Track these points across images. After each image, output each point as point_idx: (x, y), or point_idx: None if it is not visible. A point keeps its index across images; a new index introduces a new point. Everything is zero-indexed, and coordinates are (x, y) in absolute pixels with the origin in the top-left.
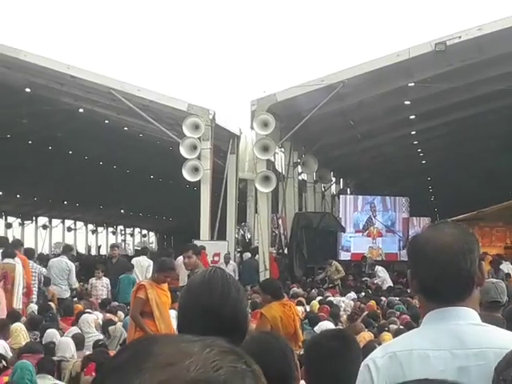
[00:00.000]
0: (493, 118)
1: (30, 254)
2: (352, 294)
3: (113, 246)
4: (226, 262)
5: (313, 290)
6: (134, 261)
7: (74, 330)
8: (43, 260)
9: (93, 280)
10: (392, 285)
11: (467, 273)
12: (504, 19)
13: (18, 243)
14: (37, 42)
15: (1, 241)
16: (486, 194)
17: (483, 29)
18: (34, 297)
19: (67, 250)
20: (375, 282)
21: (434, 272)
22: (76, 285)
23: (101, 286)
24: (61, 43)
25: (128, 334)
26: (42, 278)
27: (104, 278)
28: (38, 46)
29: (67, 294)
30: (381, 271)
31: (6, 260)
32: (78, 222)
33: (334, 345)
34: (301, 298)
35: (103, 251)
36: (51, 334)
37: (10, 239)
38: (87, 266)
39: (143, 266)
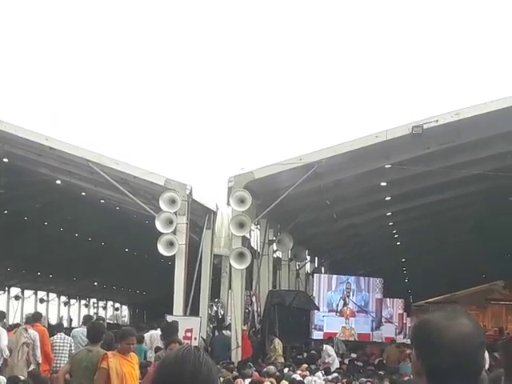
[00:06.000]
0: (468, 202)
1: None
2: (320, 374)
3: (97, 319)
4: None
5: (285, 369)
6: (148, 334)
7: None
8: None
9: None
10: (339, 366)
11: (479, 366)
12: (481, 105)
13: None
14: (16, 113)
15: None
16: (459, 277)
17: (460, 113)
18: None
19: (88, 320)
20: (326, 361)
21: (448, 361)
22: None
23: None
24: (40, 114)
25: None
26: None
27: None
28: (17, 116)
29: None
30: (330, 349)
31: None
32: (50, 294)
33: None
34: (272, 379)
35: (75, 323)
36: None
37: None
38: None
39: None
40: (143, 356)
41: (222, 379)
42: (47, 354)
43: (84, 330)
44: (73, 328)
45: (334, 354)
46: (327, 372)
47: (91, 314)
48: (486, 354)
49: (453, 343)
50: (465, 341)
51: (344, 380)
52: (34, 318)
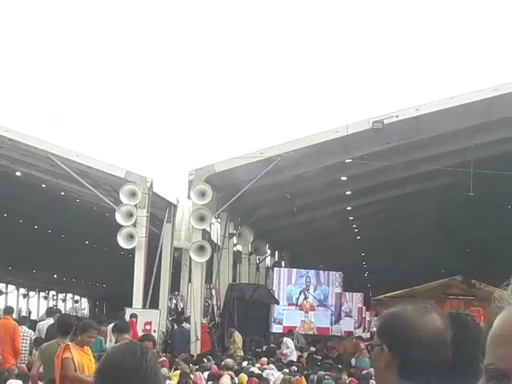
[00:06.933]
0: (428, 197)
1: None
2: (273, 365)
3: (55, 312)
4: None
5: (244, 362)
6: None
7: None
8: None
9: None
10: (295, 359)
11: (448, 359)
12: (440, 101)
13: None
14: None
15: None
16: (418, 271)
17: (420, 109)
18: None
19: (51, 312)
20: (284, 352)
21: (424, 355)
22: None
23: None
24: None
25: None
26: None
27: None
28: None
29: None
30: (289, 342)
31: None
32: (9, 286)
33: None
34: (231, 372)
35: (34, 316)
36: None
37: None
38: None
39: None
40: (99, 346)
41: (179, 372)
42: (17, 349)
43: (49, 322)
44: (32, 320)
45: (293, 347)
46: (289, 364)
47: (50, 306)
48: None
49: (428, 337)
50: (439, 335)
51: (304, 372)
52: (7, 312)
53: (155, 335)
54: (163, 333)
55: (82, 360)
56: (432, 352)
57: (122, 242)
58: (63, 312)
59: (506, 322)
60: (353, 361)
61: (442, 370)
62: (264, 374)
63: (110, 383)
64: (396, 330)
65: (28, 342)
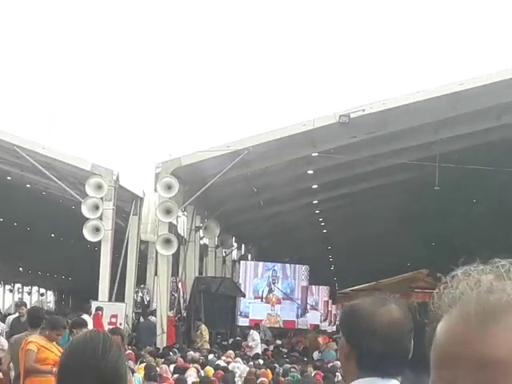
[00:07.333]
0: (394, 190)
1: None
2: (240, 359)
3: (20, 305)
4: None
5: (210, 355)
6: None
7: None
8: None
9: None
10: (260, 352)
11: (407, 351)
12: (407, 95)
13: None
14: None
15: None
16: (384, 265)
17: (387, 103)
18: None
19: (18, 306)
20: (249, 344)
21: (379, 347)
22: None
23: None
24: None
25: None
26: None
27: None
28: None
29: None
30: (256, 335)
31: None
32: None
33: None
34: (196, 365)
35: None
36: None
37: None
38: None
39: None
40: (67, 339)
41: (145, 364)
42: None
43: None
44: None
45: (259, 340)
46: (255, 357)
47: (16, 299)
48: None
49: (383, 329)
50: (395, 326)
51: (270, 365)
52: None
53: (121, 328)
54: (128, 325)
55: (47, 353)
56: (388, 343)
57: (87, 234)
58: (29, 305)
59: (448, 338)
60: (315, 355)
61: (403, 360)
62: (230, 367)
63: (69, 379)
64: (352, 323)
65: None
